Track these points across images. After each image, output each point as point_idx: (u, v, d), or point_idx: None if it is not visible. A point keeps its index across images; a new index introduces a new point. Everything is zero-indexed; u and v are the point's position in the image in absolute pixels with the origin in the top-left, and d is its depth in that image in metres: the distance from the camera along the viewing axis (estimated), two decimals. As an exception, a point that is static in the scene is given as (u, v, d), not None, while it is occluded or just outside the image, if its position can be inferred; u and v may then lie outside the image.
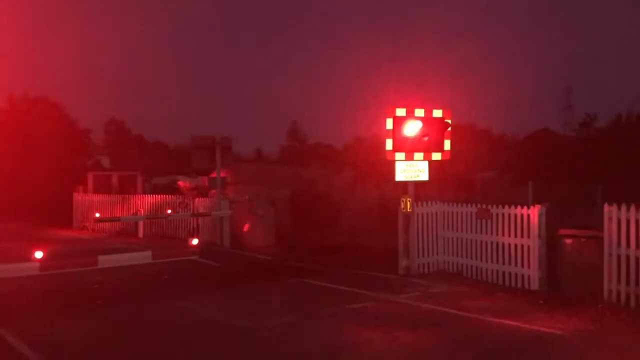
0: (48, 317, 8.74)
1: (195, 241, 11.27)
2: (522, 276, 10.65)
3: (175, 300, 9.93)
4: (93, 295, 10.18)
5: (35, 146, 27.23)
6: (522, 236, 10.68)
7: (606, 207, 9.26)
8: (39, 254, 9.01)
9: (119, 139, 51.67)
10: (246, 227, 17.05)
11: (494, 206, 11.23)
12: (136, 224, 19.79)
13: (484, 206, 11.48)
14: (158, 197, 20.51)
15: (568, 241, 10.03)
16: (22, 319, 8.58)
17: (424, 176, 11.85)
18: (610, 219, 9.18)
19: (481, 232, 11.42)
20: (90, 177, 27.73)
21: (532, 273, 10.49)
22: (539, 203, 10.78)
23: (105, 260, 10.12)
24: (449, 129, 11.82)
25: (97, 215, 20.03)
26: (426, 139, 11.63)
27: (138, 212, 19.83)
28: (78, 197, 23.20)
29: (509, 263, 10.87)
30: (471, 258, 11.61)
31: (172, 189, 28.49)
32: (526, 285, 10.54)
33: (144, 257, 10.84)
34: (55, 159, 27.76)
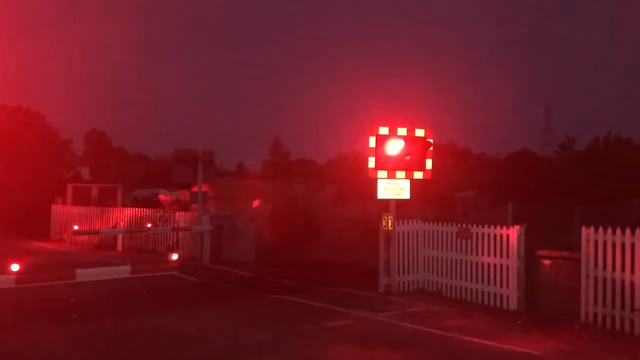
0: (21, 332, 8.58)
1: (175, 256, 11.16)
2: (501, 296, 10.72)
3: (152, 316, 9.81)
4: (69, 310, 10.00)
5: (15, 156, 26.87)
6: (501, 256, 10.77)
7: (584, 229, 9.39)
8: (15, 267, 8.86)
9: (100, 150, 51.20)
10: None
11: (474, 226, 11.32)
12: (115, 237, 19.56)
13: (464, 225, 11.57)
14: (138, 211, 20.33)
15: (546, 262, 10.14)
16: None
17: (405, 195, 11.91)
18: (588, 240, 9.31)
19: (461, 251, 11.49)
20: (69, 189, 27.36)
21: (511, 293, 10.56)
22: (518, 223, 10.89)
23: (83, 274, 9.98)
24: (431, 148, 11.93)
25: (76, 227, 19.77)
26: (408, 157, 11.72)
27: (117, 225, 19.62)
28: (57, 208, 22.89)
29: (488, 283, 10.94)
30: (451, 277, 11.66)
31: (153, 202, 28.29)
32: (505, 305, 10.61)
33: (122, 271, 10.71)
34: (34, 170, 27.39)
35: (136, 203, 28.04)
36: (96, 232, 19.57)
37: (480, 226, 11.20)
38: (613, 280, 8.98)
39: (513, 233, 10.62)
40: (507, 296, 10.61)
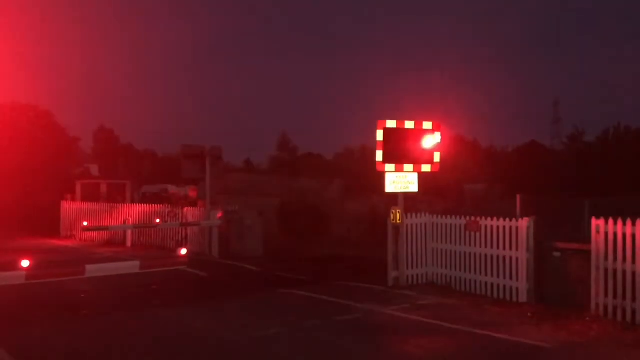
0: (32, 327, 8.65)
1: (183, 251, 11.18)
2: (511, 288, 10.67)
3: (161, 310, 9.86)
4: (79, 305, 10.08)
5: (24, 153, 27.02)
6: (510, 248, 10.71)
7: (594, 221, 9.32)
8: (25, 263, 8.89)
9: (109, 147, 51.49)
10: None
11: (483, 218, 11.27)
12: (124, 233, 19.65)
13: (473, 218, 11.51)
14: (147, 206, 20.39)
15: (556, 254, 10.07)
16: (6, 329, 8.48)
17: (413, 188, 11.87)
18: (598, 232, 9.24)
19: (470, 244, 11.44)
20: (78, 186, 27.51)
21: (521, 285, 10.51)
22: (527, 216, 10.83)
23: (93, 270, 9.99)
24: (439, 141, 11.86)
25: (85, 223, 19.86)
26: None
27: (126, 221, 19.68)
28: (66, 205, 23.00)
29: (498, 275, 10.89)
30: (460, 270, 11.62)
31: (162, 198, 28.41)
32: (514, 298, 10.56)
33: (131, 267, 10.73)
34: (43, 167, 27.56)
35: (144, 199, 28.15)
36: (105, 229, 19.64)
37: (489, 219, 11.15)
38: (624, 272, 8.91)
39: (522, 225, 10.56)
40: (517, 288, 10.56)
